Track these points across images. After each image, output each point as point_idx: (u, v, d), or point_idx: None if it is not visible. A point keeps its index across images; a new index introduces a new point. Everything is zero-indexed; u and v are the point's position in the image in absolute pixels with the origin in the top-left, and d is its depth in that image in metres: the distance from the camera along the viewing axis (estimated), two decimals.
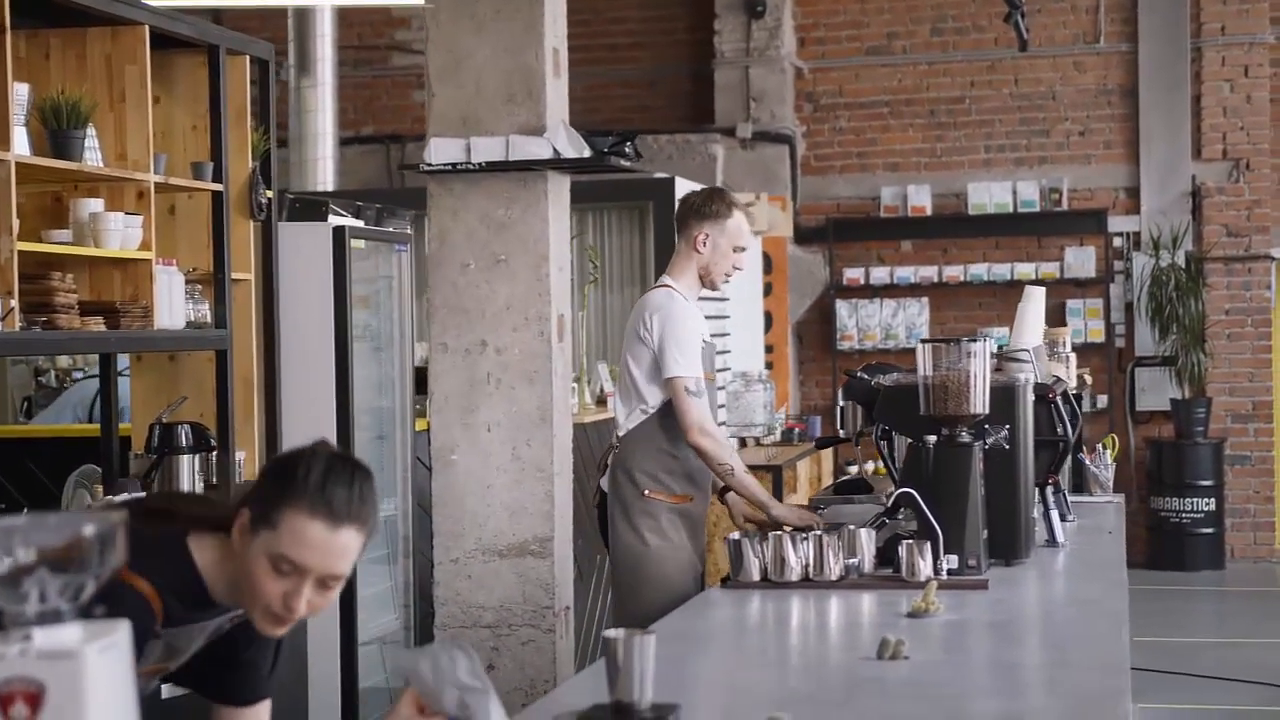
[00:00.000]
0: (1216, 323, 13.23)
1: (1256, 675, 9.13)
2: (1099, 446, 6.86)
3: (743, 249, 5.64)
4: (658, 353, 5.43)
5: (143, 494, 5.29)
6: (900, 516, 4.70)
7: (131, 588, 2.71)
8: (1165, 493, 13.00)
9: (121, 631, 1.83)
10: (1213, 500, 12.96)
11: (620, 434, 5.56)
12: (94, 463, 6.02)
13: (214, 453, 5.87)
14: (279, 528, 2.70)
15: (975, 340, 4.63)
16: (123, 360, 6.37)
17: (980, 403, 4.59)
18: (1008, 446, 4.72)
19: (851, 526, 4.59)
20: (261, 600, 2.74)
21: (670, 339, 5.40)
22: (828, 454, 11.94)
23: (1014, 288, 13.26)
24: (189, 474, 5.70)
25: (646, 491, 5.47)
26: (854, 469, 12.75)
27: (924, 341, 4.67)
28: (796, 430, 11.51)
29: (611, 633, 2.82)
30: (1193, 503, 12.94)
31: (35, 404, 9.34)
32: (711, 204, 5.61)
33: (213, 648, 2.92)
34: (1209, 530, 12.98)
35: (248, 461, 6.18)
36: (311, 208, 6.82)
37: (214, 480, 5.90)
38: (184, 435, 5.70)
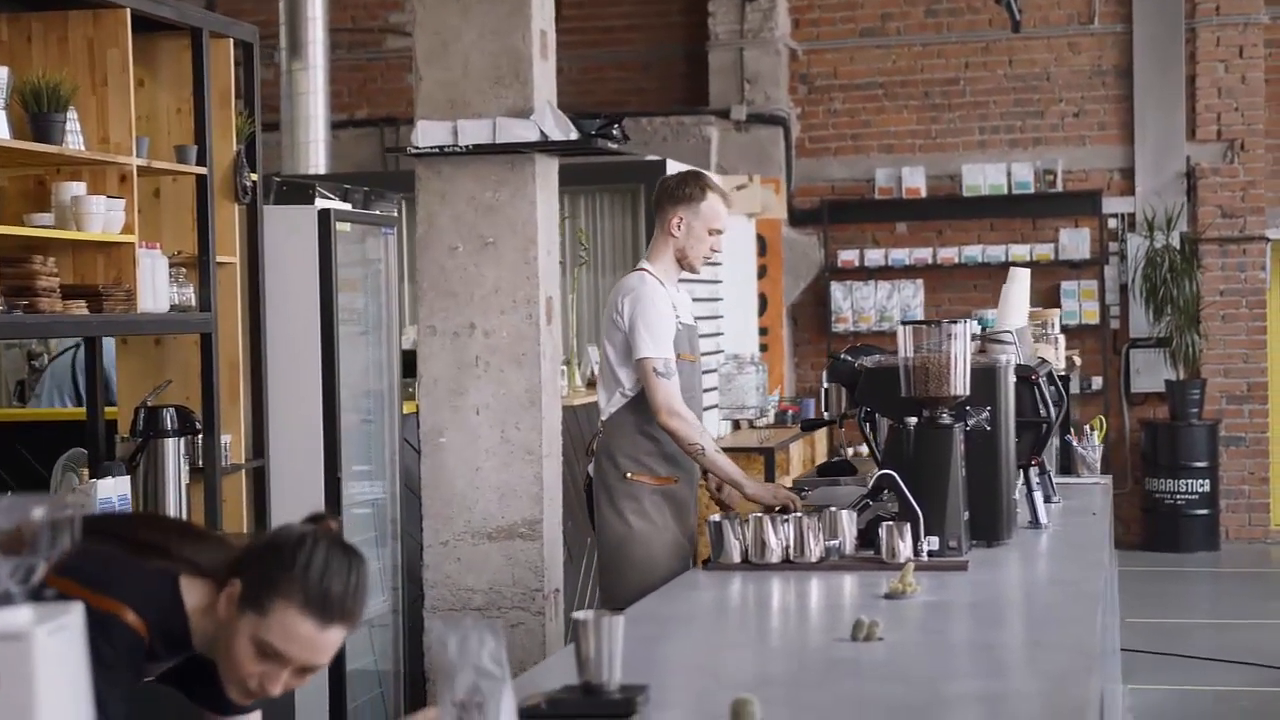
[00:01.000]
0: (1211, 304, 13.23)
1: (1250, 657, 9.15)
2: (1086, 428, 6.86)
3: (718, 231, 5.63)
4: (627, 334, 5.46)
5: (129, 512, 5.22)
6: (883, 498, 4.70)
7: (122, 620, 2.70)
8: (1160, 474, 13.00)
9: (73, 614, 1.84)
10: (1207, 482, 12.97)
11: (603, 418, 5.58)
12: (82, 445, 6.01)
13: (199, 436, 5.87)
14: (269, 616, 2.69)
15: (956, 322, 4.63)
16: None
17: (961, 384, 4.59)
18: (989, 428, 4.73)
19: (833, 508, 4.60)
20: (238, 674, 2.74)
21: (640, 320, 5.42)
22: (821, 436, 11.95)
23: (1008, 270, 13.23)
24: (174, 457, 5.69)
25: (629, 474, 5.48)
26: (849, 451, 12.77)
27: (905, 323, 4.68)
28: (790, 413, 11.51)
29: (580, 615, 2.83)
30: (1187, 484, 12.94)
31: (28, 388, 9.34)
32: (685, 187, 5.61)
33: (202, 661, 2.89)
34: (1204, 512, 12.99)
35: (234, 445, 6.18)
36: (299, 191, 6.81)
37: (200, 464, 5.90)
38: (169, 419, 5.70)
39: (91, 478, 5.55)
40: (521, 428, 6.05)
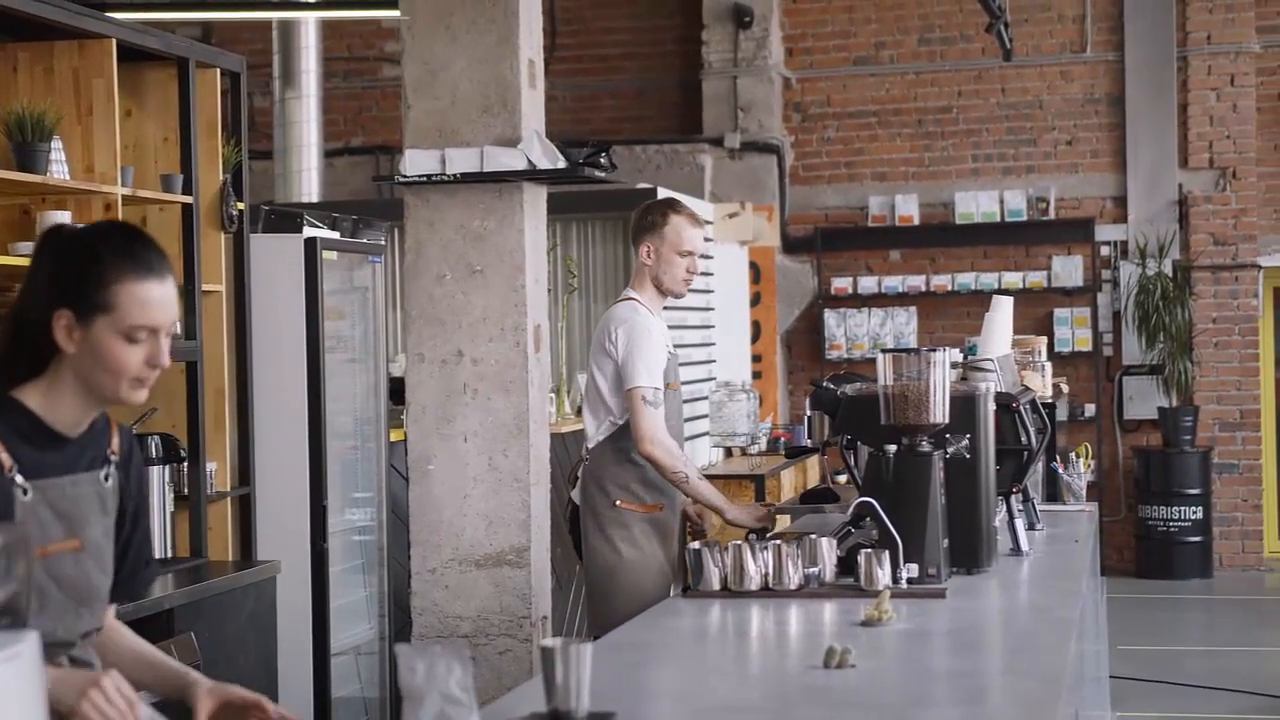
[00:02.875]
0: (1203, 331, 13.25)
1: (1243, 684, 9.14)
2: (1072, 455, 6.87)
3: (688, 253, 5.69)
4: (621, 364, 5.50)
5: None
6: (863, 525, 4.70)
7: None
8: (1153, 501, 13.00)
9: (28, 642, 1.85)
10: (1200, 509, 12.97)
11: (590, 445, 5.64)
12: None
13: (184, 464, 5.88)
14: (117, 307, 2.82)
15: (935, 350, 4.64)
16: None
17: (940, 412, 4.60)
18: (968, 456, 4.74)
19: (813, 535, 4.61)
20: (126, 374, 2.85)
21: (635, 351, 5.49)
22: (814, 463, 11.95)
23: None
24: (159, 485, 5.71)
25: (618, 502, 5.52)
26: (842, 478, 12.76)
27: (884, 351, 4.69)
28: (783, 440, 11.51)
29: (548, 642, 2.85)
30: (1180, 511, 12.95)
31: None
32: (647, 216, 5.74)
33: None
34: (1197, 539, 12.99)
35: (219, 472, 6.19)
36: (287, 219, 6.83)
37: (185, 492, 5.91)
38: (154, 446, 5.71)
39: None
40: (509, 455, 6.06)
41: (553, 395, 7.81)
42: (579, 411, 8.41)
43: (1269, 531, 13.63)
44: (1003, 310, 5.88)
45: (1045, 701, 3.13)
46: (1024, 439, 5.27)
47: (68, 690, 2.72)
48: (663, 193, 10.53)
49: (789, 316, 13.78)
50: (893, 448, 4.61)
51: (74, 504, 2.92)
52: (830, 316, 13.67)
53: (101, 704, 2.71)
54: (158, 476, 5.70)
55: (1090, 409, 13.27)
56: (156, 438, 5.74)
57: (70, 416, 2.91)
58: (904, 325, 13.59)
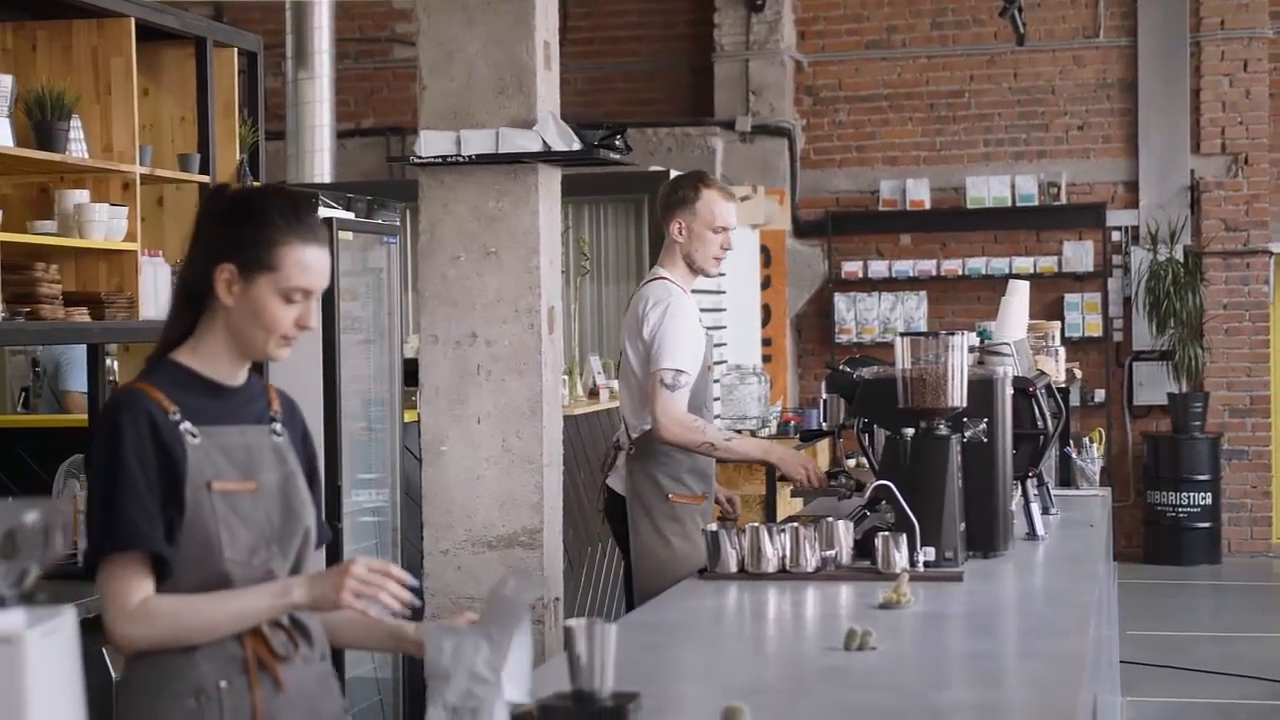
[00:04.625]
0: (1214, 317, 13.24)
1: (1251, 669, 9.15)
2: (1086, 440, 6.87)
3: (722, 229, 5.55)
4: (649, 344, 5.39)
5: None
6: (880, 509, 4.70)
7: (130, 388, 3.00)
8: (1162, 487, 13.01)
9: (65, 617, 1.86)
10: (1209, 494, 12.98)
11: (634, 435, 5.48)
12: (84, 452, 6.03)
13: None
14: (280, 268, 2.96)
15: (953, 334, 4.64)
16: None
17: (958, 396, 4.60)
18: (985, 439, 4.73)
19: (830, 518, 4.61)
20: (277, 332, 2.99)
21: (665, 332, 5.36)
22: (825, 446, 11.95)
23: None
24: None
25: (671, 495, 5.41)
26: (851, 462, 12.76)
27: (902, 334, 4.68)
28: (793, 423, 11.51)
29: (572, 622, 2.84)
30: (1189, 497, 12.95)
31: (33, 393, 9.36)
32: (678, 191, 5.58)
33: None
34: (1206, 524, 12.99)
35: None
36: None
37: None
38: None
39: None
40: (523, 437, 6.05)
41: (565, 378, 7.80)
42: (592, 394, 8.42)
43: (1277, 518, 13.62)
44: (1019, 294, 5.88)
45: (1067, 686, 3.14)
46: (1040, 423, 5.26)
47: (324, 591, 2.93)
48: (676, 174, 10.53)
49: (799, 300, 13.77)
50: (910, 431, 4.61)
51: (246, 452, 3.04)
52: (840, 300, 13.67)
53: (358, 587, 2.91)
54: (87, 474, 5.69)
55: (1100, 394, 13.26)
56: None
57: (223, 369, 3.04)
58: (914, 310, 13.59)
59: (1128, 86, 13.45)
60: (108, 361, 6.46)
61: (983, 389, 4.76)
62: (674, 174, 10.58)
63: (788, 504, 9.43)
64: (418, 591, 6.18)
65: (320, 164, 10.70)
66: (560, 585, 6.14)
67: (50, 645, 1.82)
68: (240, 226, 2.98)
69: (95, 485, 2.94)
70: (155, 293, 5.56)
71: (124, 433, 2.92)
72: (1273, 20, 13.31)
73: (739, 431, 10.66)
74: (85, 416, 6.25)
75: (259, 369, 3.35)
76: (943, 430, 4.62)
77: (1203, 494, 12.95)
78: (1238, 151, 13.27)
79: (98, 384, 6.00)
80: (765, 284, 13.00)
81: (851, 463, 12.39)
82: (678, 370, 5.35)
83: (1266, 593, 12.36)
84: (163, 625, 2.92)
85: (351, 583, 2.90)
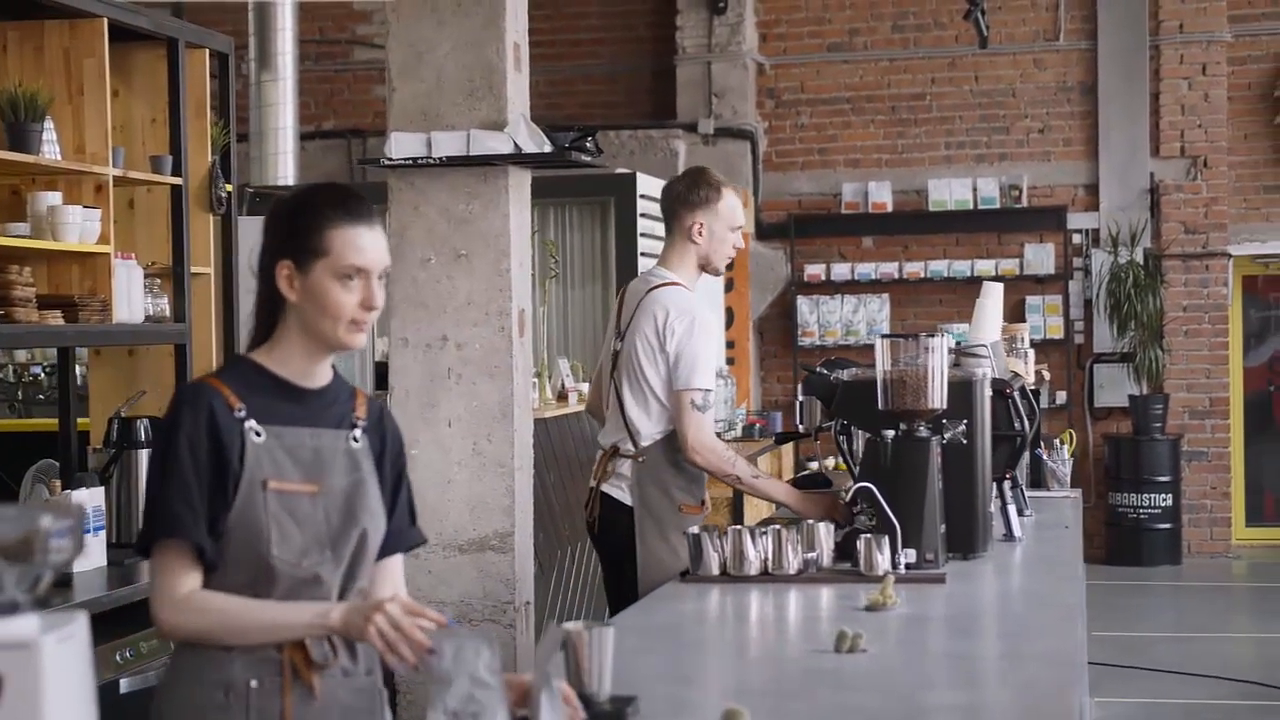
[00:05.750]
0: (1174, 319, 13.31)
1: (1213, 669, 9.21)
2: (1056, 442, 6.89)
3: (738, 228, 5.42)
4: (674, 360, 5.21)
5: None
6: (857, 510, 4.70)
7: (199, 381, 3.06)
8: (1123, 488, 13.08)
9: (79, 623, 1.83)
10: (1170, 496, 13.05)
11: (644, 443, 5.31)
12: (53, 457, 5.98)
13: None
14: (331, 251, 3.00)
15: (934, 335, 4.64)
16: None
17: (938, 397, 4.61)
18: (965, 441, 4.74)
19: (810, 521, 4.61)
20: (343, 316, 3.02)
21: (693, 349, 5.18)
22: (788, 449, 11.98)
23: (974, 284, 13.26)
24: (147, 469, 5.66)
25: (683, 506, 5.29)
26: (814, 464, 12.79)
27: (883, 336, 4.69)
28: (758, 426, 11.54)
29: (571, 625, 2.84)
30: (1150, 498, 13.02)
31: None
32: (699, 190, 5.35)
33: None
34: (1166, 526, 13.07)
35: None
36: (270, 201, 6.79)
37: None
38: (143, 430, 5.67)
39: (65, 489, 5.51)
40: (494, 440, 6.04)
41: (534, 381, 7.78)
42: (560, 397, 8.41)
43: (1236, 519, 13.72)
44: (993, 296, 5.89)
45: (1063, 686, 3.14)
46: (1017, 425, 5.28)
47: (357, 621, 2.91)
48: (642, 179, 10.54)
49: (762, 303, 13.79)
50: (891, 433, 4.61)
51: (315, 454, 3.06)
52: (803, 303, 13.69)
53: (385, 626, 2.88)
54: (145, 460, 5.66)
55: (1061, 396, 13.32)
56: (145, 421, 5.69)
57: (299, 367, 3.08)
58: (877, 312, 13.62)
59: (1088, 90, 13.52)
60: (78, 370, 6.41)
61: (963, 391, 4.77)
62: (641, 177, 10.61)
63: (753, 506, 9.44)
64: None
65: (284, 166, 10.64)
66: (531, 589, 6.13)
67: (66, 651, 1.80)
68: (290, 222, 3.05)
69: (151, 472, 3.01)
70: (128, 296, 5.51)
71: (182, 424, 2.98)
72: (1231, 24, 13.40)
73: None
74: (54, 421, 6.19)
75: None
76: (923, 432, 4.62)
77: (1163, 495, 13.02)
78: (1197, 154, 13.35)
79: (68, 387, 5.95)
80: (728, 287, 13.00)
81: (815, 465, 12.41)
82: (707, 390, 5.19)
83: (1226, 593, 12.44)
84: (211, 620, 2.96)
85: (381, 622, 2.88)
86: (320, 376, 3.12)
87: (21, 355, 9.42)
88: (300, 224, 3.03)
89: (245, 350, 3.12)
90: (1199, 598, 12.16)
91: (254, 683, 2.98)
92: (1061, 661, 3.38)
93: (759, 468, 5.36)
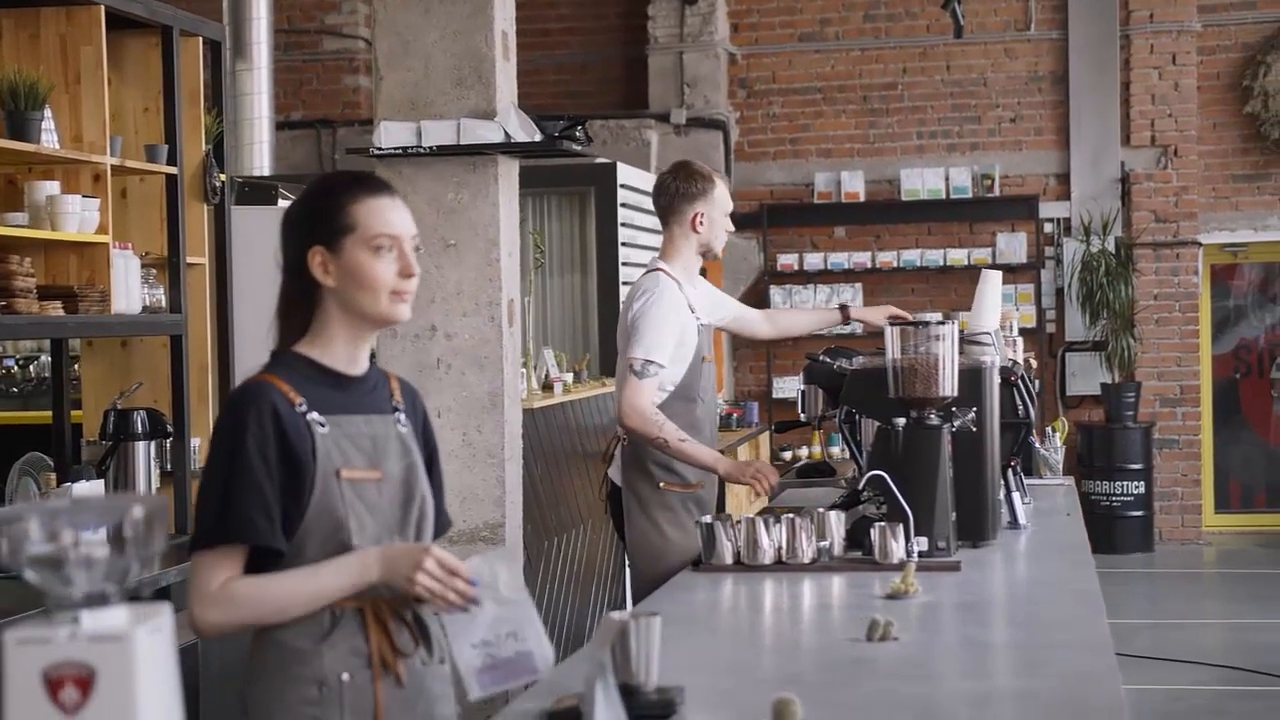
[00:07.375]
0: (1145, 308, 13.37)
1: (1187, 655, 9.27)
2: (1048, 430, 6.90)
3: (730, 211, 5.74)
4: (629, 331, 5.36)
5: None
6: (865, 498, 4.69)
7: (257, 380, 3.01)
8: (1095, 476, 13.12)
9: (165, 615, 1.81)
10: (1142, 483, 13.11)
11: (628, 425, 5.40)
12: (43, 450, 5.91)
13: (169, 439, 5.80)
14: (359, 224, 3.00)
15: (943, 323, 4.64)
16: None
17: (949, 385, 4.60)
18: (975, 429, 4.74)
19: (821, 509, 4.60)
20: (383, 288, 3.00)
21: (644, 321, 5.34)
22: (764, 439, 11.98)
23: (946, 274, 13.36)
24: (144, 461, 5.62)
25: (661, 484, 5.40)
26: (804, 452, 12.81)
27: (893, 324, 4.67)
28: (735, 416, 11.54)
29: (618, 615, 2.81)
30: (1122, 486, 13.07)
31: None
32: (695, 182, 5.59)
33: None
34: (1138, 513, 13.13)
35: (203, 448, 6.11)
36: (261, 192, 6.75)
37: (169, 468, 5.82)
38: (139, 421, 5.62)
39: (62, 482, 5.47)
40: (484, 431, 6.03)
41: (521, 371, 7.75)
42: (546, 387, 8.38)
43: (1207, 506, 13.79)
44: (992, 284, 5.89)
45: (1103, 673, 3.14)
46: (1021, 411, 5.28)
47: (400, 572, 2.89)
48: (623, 169, 10.52)
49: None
50: (901, 421, 4.60)
51: (373, 441, 3.04)
52: (776, 293, 13.68)
53: (432, 584, 2.87)
54: (143, 452, 5.62)
55: (1035, 385, 13.34)
56: (142, 413, 5.65)
57: (344, 353, 3.06)
58: (850, 302, 13.60)
59: (1059, 79, 13.55)
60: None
61: (972, 378, 4.77)
62: (622, 167, 10.58)
63: (735, 498, 9.43)
64: None
65: (260, 156, 10.56)
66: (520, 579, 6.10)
67: (155, 642, 1.78)
68: (312, 209, 3.05)
69: (213, 475, 2.94)
70: (126, 286, 5.46)
71: (247, 426, 2.93)
72: (1201, 14, 13.45)
73: None
74: (33, 414, 6.14)
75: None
76: (934, 420, 4.61)
77: (1135, 483, 13.08)
78: (1167, 144, 13.40)
79: (61, 378, 5.89)
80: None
81: (804, 452, 12.42)
82: (648, 359, 5.32)
83: (1199, 579, 12.50)
84: (245, 611, 2.93)
85: (425, 578, 2.87)
86: (362, 362, 3.11)
87: (28, 345, 9.31)
88: (322, 207, 3.03)
89: (277, 348, 3.08)
90: (1171, 585, 12.22)
91: (345, 676, 2.95)
92: (1096, 648, 3.38)
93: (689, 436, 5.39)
